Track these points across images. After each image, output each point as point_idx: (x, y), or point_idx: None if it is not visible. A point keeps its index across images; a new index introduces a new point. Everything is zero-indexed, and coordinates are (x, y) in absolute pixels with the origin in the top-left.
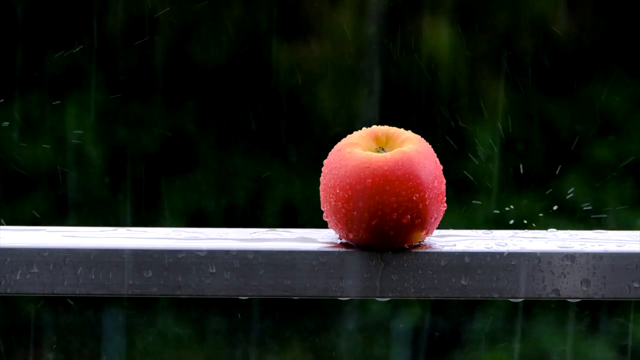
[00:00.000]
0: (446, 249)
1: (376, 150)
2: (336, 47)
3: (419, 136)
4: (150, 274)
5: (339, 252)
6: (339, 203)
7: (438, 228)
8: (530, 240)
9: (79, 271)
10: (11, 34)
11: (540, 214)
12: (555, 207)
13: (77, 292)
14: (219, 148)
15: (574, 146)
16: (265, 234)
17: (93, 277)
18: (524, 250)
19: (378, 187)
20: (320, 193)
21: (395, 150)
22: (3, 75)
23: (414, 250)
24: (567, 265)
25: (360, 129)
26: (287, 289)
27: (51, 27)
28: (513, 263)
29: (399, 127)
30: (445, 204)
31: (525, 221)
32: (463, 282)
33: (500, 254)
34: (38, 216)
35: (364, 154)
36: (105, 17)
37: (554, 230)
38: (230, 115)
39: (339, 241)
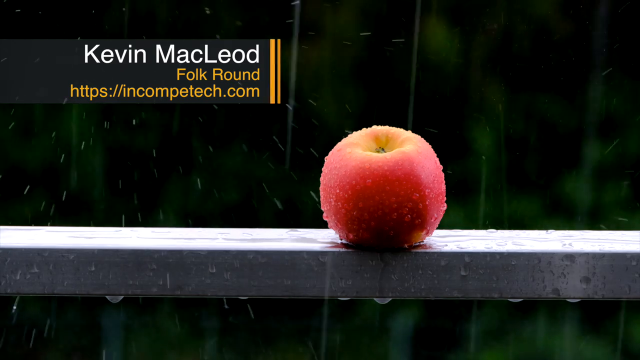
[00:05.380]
0: (446, 249)
1: (376, 150)
2: (336, 47)
3: (419, 136)
4: (151, 274)
5: (339, 252)
6: (339, 203)
7: (438, 228)
8: (530, 240)
9: (79, 271)
10: (12, 32)
11: (540, 214)
12: (555, 208)
13: (77, 292)
14: (218, 148)
15: (574, 146)
16: (265, 234)
17: (93, 277)
18: (524, 250)
19: (378, 187)
20: (320, 193)
21: (395, 151)
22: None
23: (414, 250)
24: (567, 265)
25: (360, 129)
26: (287, 289)
27: (53, 25)
28: (513, 263)
29: (399, 127)
30: (445, 204)
31: (525, 221)
32: (463, 282)
33: (500, 254)
34: (33, 216)
35: (364, 154)
36: (105, 15)
37: (554, 230)
38: (229, 115)
39: (339, 241)
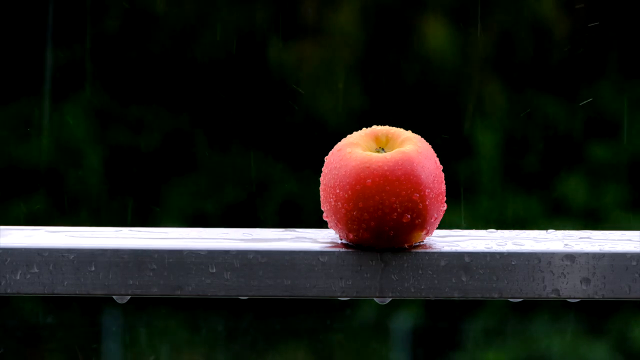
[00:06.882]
0: (446, 249)
1: (376, 150)
2: (336, 46)
3: (419, 136)
4: (150, 274)
5: (339, 252)
6: (339, 203)
7: (438, 228)
8: (530, 240)
9: (79, 271)
10: (12, 34)
11: (540, 214)
12: (555, 207)
13: (77, 292)
14: (218, 148)
15: (574, 146)
16: (265, 234)
17: (93, 277)
18: (524, 250)
19: (378, 187)
20: (320, 193)
21: (395, 151)
22: (3, 75)
23: (414, 250)
24: (567, 265)
25: (360, 128)
26: (287, 289)
27: (51, 27)
28: (513, 263)
29: (399, 127)
30: (445, 204)
31: (525, 221)
32: (463, 282)
33: (500, 254)
34: (36, 216)
35: (364, 154)
36: (104, 17)
37: (554, 230)
38: (229, 115)
39: (339, 241)
